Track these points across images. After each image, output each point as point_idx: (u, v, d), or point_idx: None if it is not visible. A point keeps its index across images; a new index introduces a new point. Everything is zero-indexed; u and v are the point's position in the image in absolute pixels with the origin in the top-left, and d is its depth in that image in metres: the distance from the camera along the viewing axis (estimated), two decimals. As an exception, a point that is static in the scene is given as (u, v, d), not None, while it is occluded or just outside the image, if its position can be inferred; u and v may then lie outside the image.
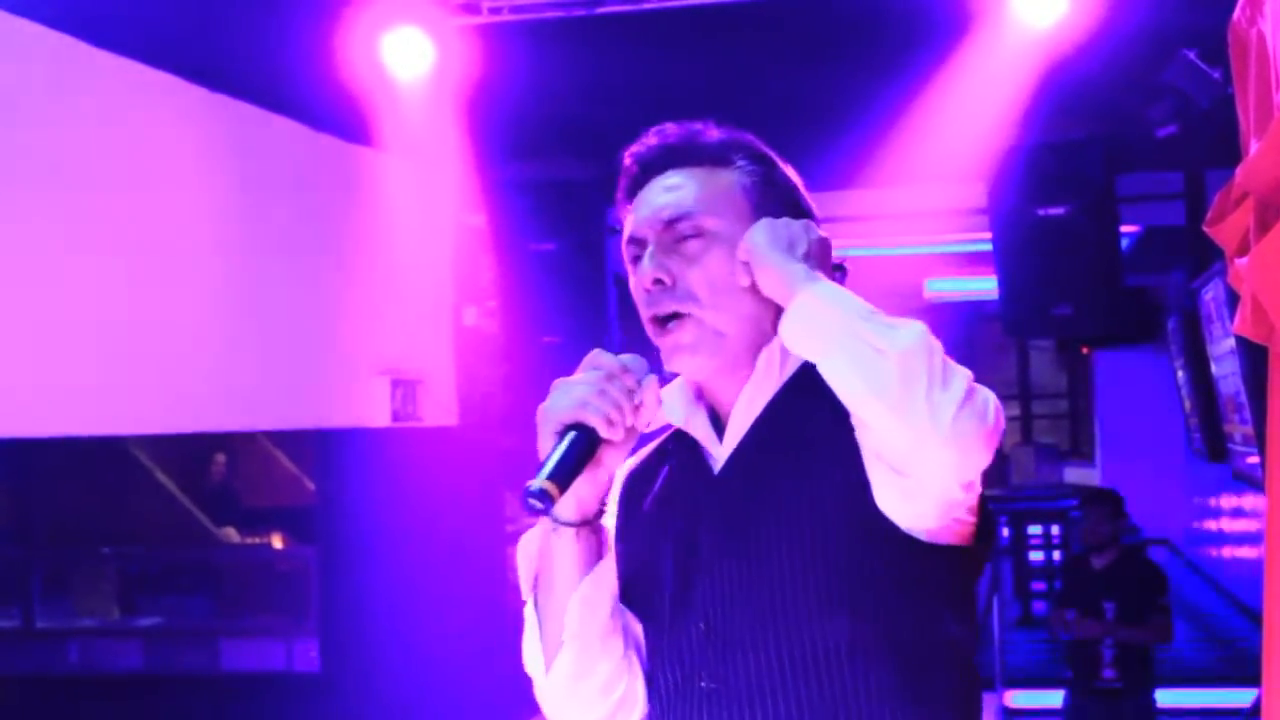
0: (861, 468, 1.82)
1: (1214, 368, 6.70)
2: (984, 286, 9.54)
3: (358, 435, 7.00)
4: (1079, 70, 5.68)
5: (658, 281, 1.95)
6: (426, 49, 5.72)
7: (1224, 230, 2.32)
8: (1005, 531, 12.80)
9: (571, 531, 1.94)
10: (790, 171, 2.05)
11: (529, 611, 2.03)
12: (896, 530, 1.84)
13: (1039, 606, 12.20)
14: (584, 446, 1.86)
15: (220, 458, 12.38)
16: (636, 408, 1.89)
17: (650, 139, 2.05)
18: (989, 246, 6.72)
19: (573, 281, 6.72)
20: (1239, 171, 2.21)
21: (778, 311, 1.91)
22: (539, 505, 1.82)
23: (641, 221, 2.01)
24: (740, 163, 2.01)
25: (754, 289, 1.92)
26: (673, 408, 2.03)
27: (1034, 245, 6.39)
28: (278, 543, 11.20)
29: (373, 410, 6.72)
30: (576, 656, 1.97)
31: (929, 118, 5.99)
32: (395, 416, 6.76)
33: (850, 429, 1.82)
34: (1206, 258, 6.35)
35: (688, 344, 1.95)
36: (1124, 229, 7.11)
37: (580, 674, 1.98)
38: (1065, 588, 7.30)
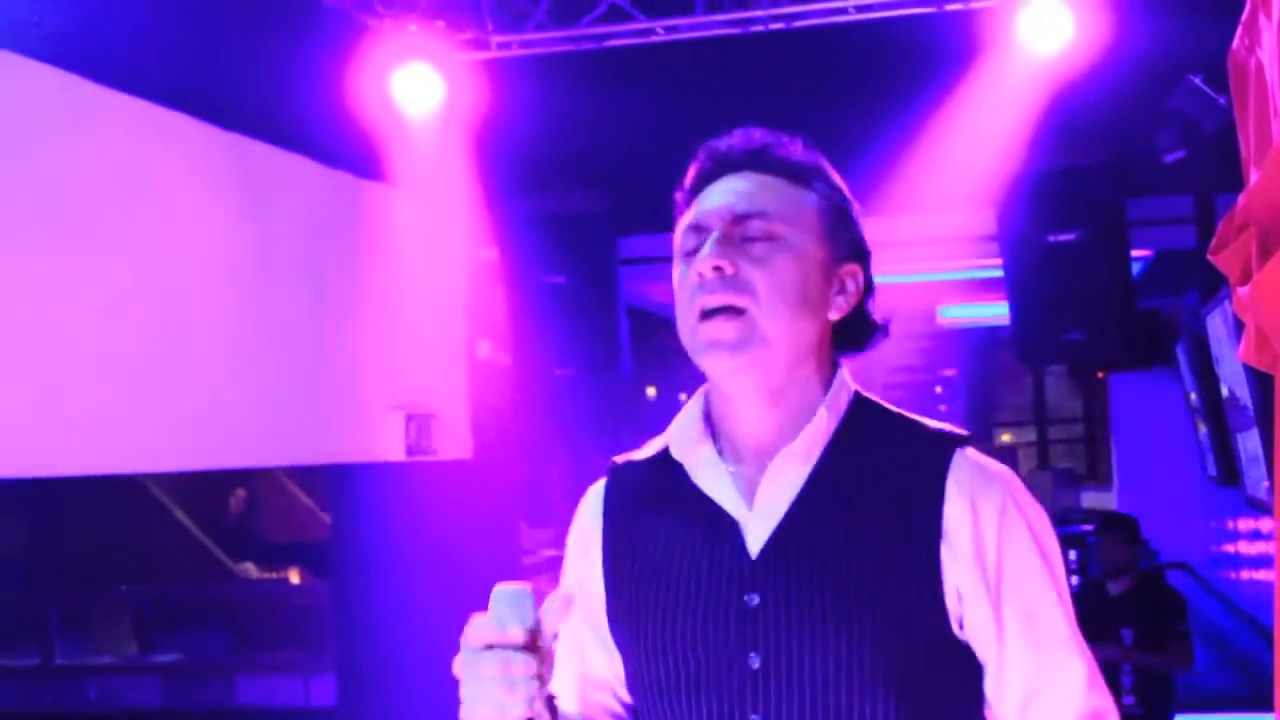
0: (934, 575, 1.83)
1: (1224, 392, 6.69)
2: (997, 312, 9.53)
3: (373, 470, 7.00)
4: (1086, 96, 5.70)
5: (718, 269, 1.84)
6: (436, 84, 5.75)
7: (1227, 258, 2.32)
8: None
9: None
10: (855, 207, 2.01)
11: None
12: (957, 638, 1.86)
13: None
14: None
15: (240, 493, 12.40)
16: (543, 662, 1.75)
17: (733, 137, 1.97)
18: (1001, 272, 6.72)
19: (584, 314, 6.73)
20: (1240, 200, 2.22)
21: (821, 347, 1.91)
22: None
23: (708, 211, 1.91)
24: (818, 185, 1.95)
25: (813, 312, 1.89)
26: (685, 444, 1.94)
27: (1045, 271, 6.39)
28: (295, 578, 11.21)
29: (388, 444, 6.73)
30: None
31: (938, 145, 6.01)
32: (410, 450, 6.77)
33: (923, 509, 1.84)
34: (1217, 282, 6.34)
35: (730, 340, 1.84)
36: (1136, 253, 7.10)
37: None
38: (1082, 614, 7.26)
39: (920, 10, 5.54)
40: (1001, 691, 1.89)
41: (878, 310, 2.00)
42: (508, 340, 7.19)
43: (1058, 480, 16.72)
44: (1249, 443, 6.29)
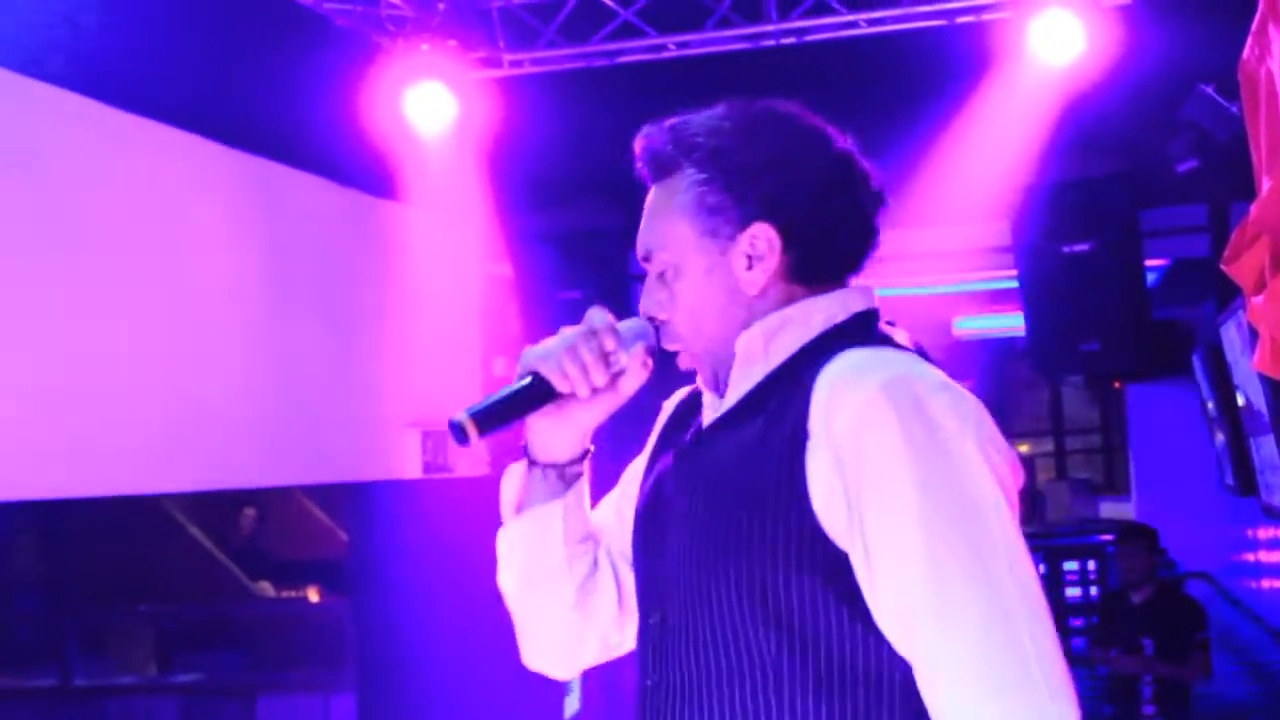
0: (806, 500, 1.73)
1: (1241, 401, 6.68)
2: (1013, 323, 9.53)
3: (390, 487, 7.01)
4: (1098, 107, 5.70)
5: (651, 319, 1.96)
6: (449, 103, 5.77)
7: (1240, 268, 2.32)
8: (1041, 568, 12.73)
9: (538, 471, 2.01)
10: (755, 140, 1.92)
11: (508, 531, 2.09)
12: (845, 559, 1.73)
13: (1077, 643, 12.11)
14: (530, 395, 1.90)
15: (250, 512, 12.40)
16: (613, 369, 1.91)
17: (635, 146, 2.00)
18: (1016, 284, 6.72)
19: (599, 329, 6.73)
20: (1252, 210, 2.22)
21: (764, 309, 1.88)
22: (455, 435, 1.88)
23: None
24: (686, 172, 1.93)
25: (734, 304, 1.89)
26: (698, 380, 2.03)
27: (1060, 282, 6.40)
28: (313, 596, 11.20)
29: (404, 462, 6.74)
30: (518, 589, 2.08)
31: (951, 158, 6.01)
32: (427, 468, 6.78)
33: (802, 453, 1.74)
34: (1232, 291, 6.34)
35: (687, 367, 1.97)
36: (1150, 263, 7.10)
37: (524, 602, 2.10)
38: (1103, 624, 7.26)
39: (931, 23, 5.55)
40: (882, 616, 1.71)
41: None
42: (523, 356, 7.19)
43: (1075, 490, 16.67)
44: (1265, 451, 6.28)
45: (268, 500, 12.42)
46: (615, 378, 1.93)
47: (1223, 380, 6.89)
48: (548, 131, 6.12)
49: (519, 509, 2.06)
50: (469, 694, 7.18)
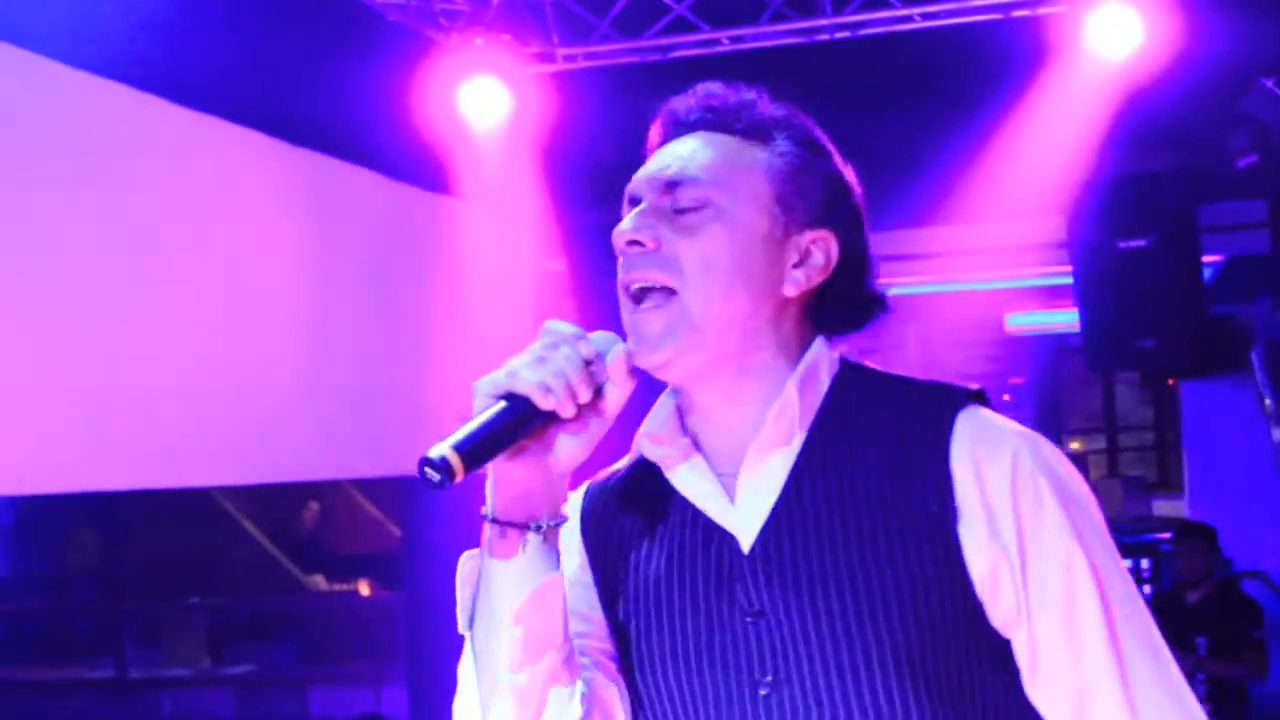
0: (951, 546, 1.59)
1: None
2: (1066, 319, 9.47)
3: (442, 481, 7.02)
4: (1156, 101, 5.65)
5: (634, 243, 1.67)
6: (503, 97, 5.77)
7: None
8: (1094, 566, 12.63)
9: (516, 534, 1.61)
10: (846, 170, 1.75)
11: (466, 648, 1.73)
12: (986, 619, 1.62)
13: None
14: (511, 418, 1.55)
15: (314, 505, 12.47)
16: (593, 382, 1.59)
17: (691, 95, 1.78)
18: (1070, 280, 6.67)
19: (652, 324, 6.73)
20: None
21: (780, 327, 1.68)
22: (435, 477, 1.49)
23: (641, 178, 1.73)
24: (780, 142, 1.72)
25: (760, 289, 1.66)
26: (659, 441, 1.71)
27: (1115, 278, 6.35)
28: (365, 589, 11.26)
29: (457, 455, 6.74)
30: (517, 703, 1.64)
31: (1008, 153, 5.98)
32: (480, 462, 6.78)
33: (929, 490, 1.60)
34: (1292, 286, 6.29)
35: (657, 331, 1.64)
36: (1207, 258, 7.04)
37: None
38: (1158, 623, 7.21)
39: (987, 17, 5.52)
40: (1048, 699, 1.62)
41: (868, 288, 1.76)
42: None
43: (1128, 488, 16.52)
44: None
45: (322, 494, 12.50)
46: (597, 395, 1.61)
47: (1281, 376, 6.83)
48: (601, 126, 6.12)
49: (519, 592, 1.63)
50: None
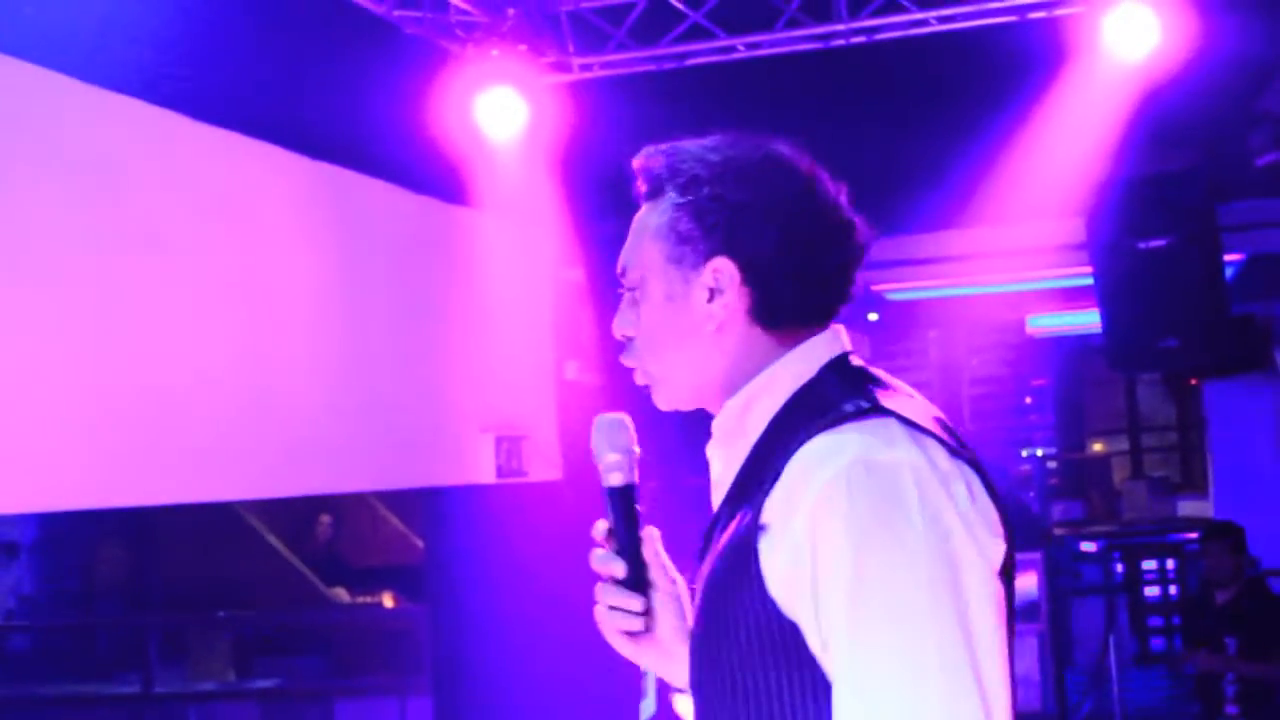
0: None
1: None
2: (1087, 320, 9.44)
3: (464, 492, 7.03)
4: (1175, 101, 5.64)
5: (623, 337, 1.96)
6: (520, 108, 5.77)
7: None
8: (1119, 568, 12.60)
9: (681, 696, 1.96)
10: (740, 183, 1.86)
11: None
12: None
13: (1157, 643, 11.97)
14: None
15: (325, 518, 12.48)
16: (641, 581, 1.95)
17: (634, 164, 1.99)
18: (1091, 281, 6.66)
19: (672, 332, 6.73)
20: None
21: (725, 354, 1.86)
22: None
23: None
24: (667, 195, 1.91)
25: (690, 338, 1.87)
26: (715, 440, 1.95)
27: (1136, 278, 6.33)
28: (388, 601, 11.27)
29: (478, 467, 6.75)
30: None
31: (1026, 155, 5.97)
32: (500, 472, 6.79)
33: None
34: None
35: (643, 387, 1.96)
36: (1228, 257, 7.01)
37: None
38: (1187, 624, 7.18)
39: (1003, 20, 5.51)
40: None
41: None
42: (596, 360, 7.20)
43: (1152, 489, 16.47)
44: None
45: (343, 507, 12.50)
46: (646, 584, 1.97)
47: (1304, 375, 6.80)
48: (618, 134, 6.09)
49: None
50: (544, 697, 7.19)
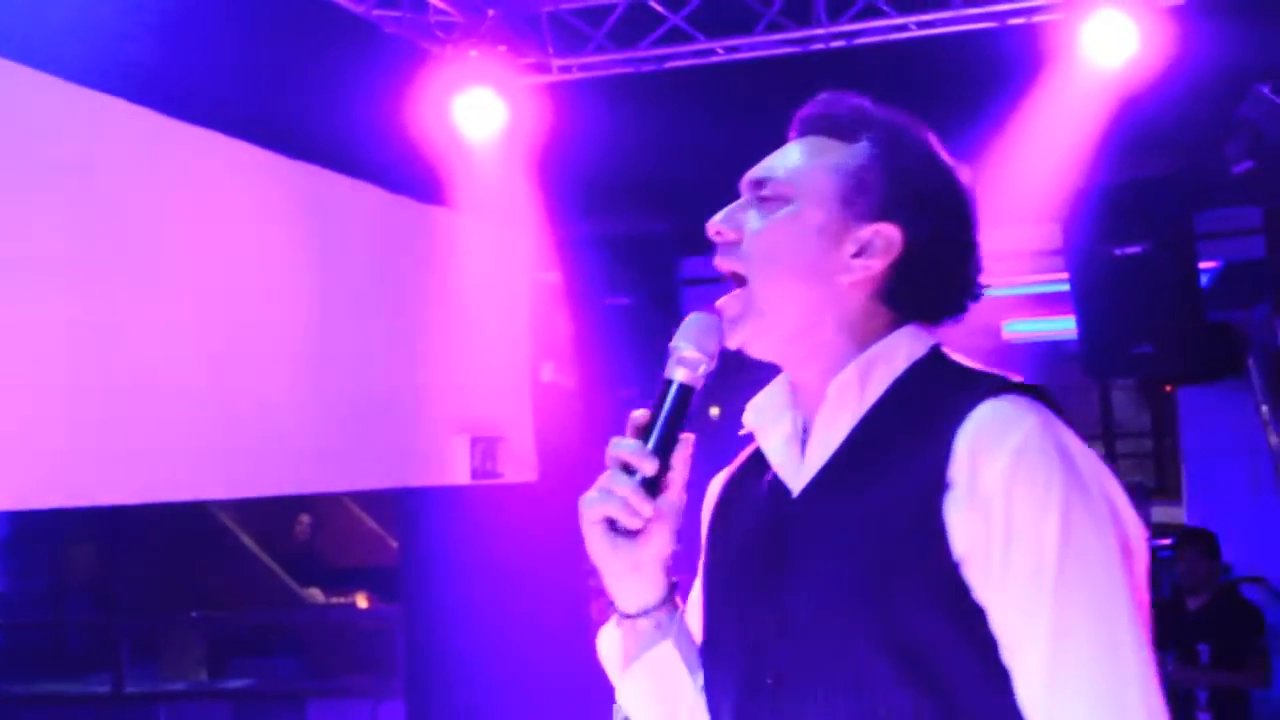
0: (940, 532, 1.68)
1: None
2: (1063, 326, 9.46)
3: (439, 493, 7.01)
4: (1152, 109, 5.65)
5: (718, 233, 1.88)
6: (498, 109, 5.77)
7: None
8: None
9: (633, 623, 1.89)
10: (937, 169, 1.91)
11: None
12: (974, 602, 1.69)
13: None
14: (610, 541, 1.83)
15: (305, 518, 12.45)
16: (653, 494, 1.79)
17: (811, 102, 1.98)
18: (1067, 287, 6.66)
19: (649, 335, 6.72)
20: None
21: (843, 311, 1.84)
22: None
23: (745, 176, 1.94)
24: (860, 143, 1.90)
25: (816, 278, 1.83)
26: (763, 412, 1.92)
27: (1112, 285, 6.33)
28: (362, 602, 11.24)
29: (453, 468, 6.74)
30: None
31: (1003, 160, 5.96)
32: (475, 474, 6.77)
33: (933, 481, 1.68)
34: (1288, 292, 6.28)
35: (732, 315, 1.85)
36: (1204, 265, 7.02)
37: None
38: (1159, 630, 7.18)
39: (982, 25, 5.52)
40: (1021, 676, 1.68)
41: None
42: (572, 362, 7.20)
43: (1127, 495, 16.47)
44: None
45: (320, 507, 12.48)
46: (662, 479, 1.82)
47: (1277, 382, 6.82)
48: (597, 136, 6.11)
49: (627, 663, 1.93)
50: (517, 699, 7.18)
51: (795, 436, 1.89)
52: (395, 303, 6.38)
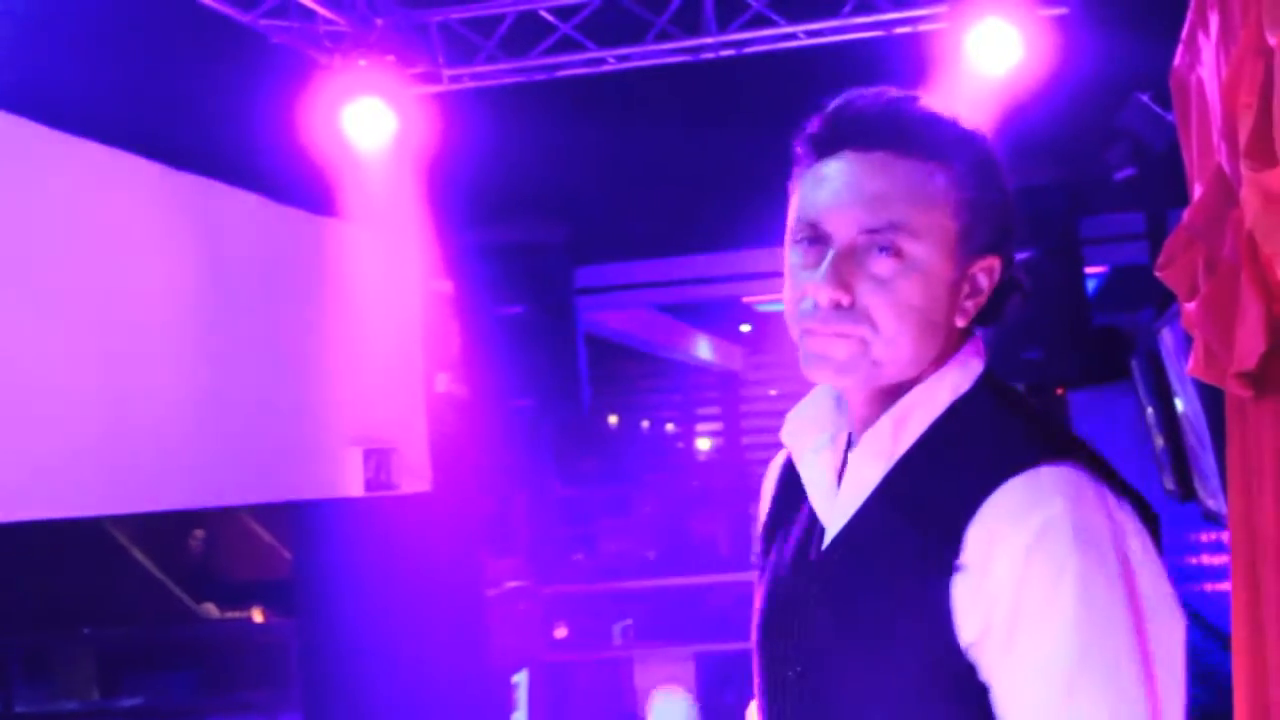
0: (941, 602, 1.63)
1: (1180, 407, 6.71)
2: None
3: (333, 505, 6.97)
4: (1036, 116, 5.73)
5: (837, 305, 1.68)
6: (388, 119, 5.74)
7: (1174, 274, 2.34)
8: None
9: None
10: (999, 181, 1.78)
11: None
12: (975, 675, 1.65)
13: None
14: None
15: (199, 533, 12.31)
16: None
17: (852, 101, 1.78)
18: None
19: (542, 344, 6.73)
20: (1185, 216, 2.23)
21: (944, 352, 1.74)
22: None
23: (829, 210, 1.71)
24: (957, 165, 1.73)
25: (938, 329, 1.72)
26: (801, 435, 1.84)
27: (1001, 290, 6.41)
28: (258, 616, 11.13)
29: (347, 480, 6.70)
30: None
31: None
32: (369, 485, 6.74)
33: (939, 556, 1.63)
34: (1169, 297, 6.39)
35: (840, 361, 1.71)
36: (1090, 270, 7.13)
37: None
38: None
39: (870, 34, 5.57)
40: None
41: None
42: (465, 373, 7.18)
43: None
44: (1203, 456, 6.32)
45: (214, 521, 12.34)
46: None
47: (1161, 386, 6.93)
48: (488, 146, 6.11)
49: None
50: (413, 710, 7.15)
51: (834, 464, 1.81)
52: (287, 314, 6.34)
